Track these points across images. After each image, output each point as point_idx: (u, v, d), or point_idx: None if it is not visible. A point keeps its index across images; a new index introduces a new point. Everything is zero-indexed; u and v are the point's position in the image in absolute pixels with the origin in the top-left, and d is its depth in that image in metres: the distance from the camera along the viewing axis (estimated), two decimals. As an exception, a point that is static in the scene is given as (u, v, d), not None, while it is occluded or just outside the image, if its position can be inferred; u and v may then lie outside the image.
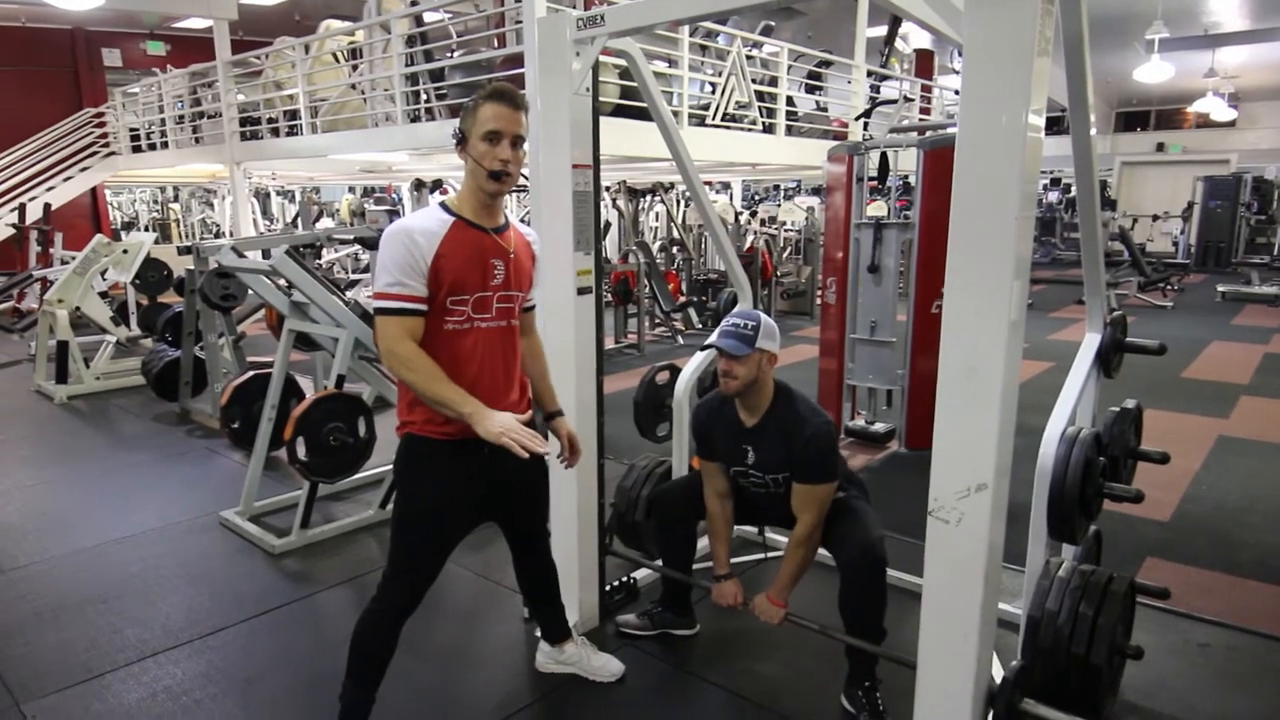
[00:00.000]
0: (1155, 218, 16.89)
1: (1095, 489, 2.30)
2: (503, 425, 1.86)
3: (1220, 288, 11.49)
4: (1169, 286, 11.63)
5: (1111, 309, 2.63)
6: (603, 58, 2.54)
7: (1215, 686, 2.54)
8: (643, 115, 5.94)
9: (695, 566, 2.78)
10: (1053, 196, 19.25)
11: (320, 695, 2.47)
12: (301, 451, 3.36)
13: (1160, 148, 19.31)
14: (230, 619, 2.92)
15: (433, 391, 1.88)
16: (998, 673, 2.47)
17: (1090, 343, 2.57)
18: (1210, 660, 2.68)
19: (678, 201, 10.50)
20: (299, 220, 12.93)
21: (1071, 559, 2.54)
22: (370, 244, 5.71)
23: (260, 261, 3.73)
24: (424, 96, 7.02)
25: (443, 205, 1.99)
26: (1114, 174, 19.54)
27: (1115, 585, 2.32)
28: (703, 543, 2.79)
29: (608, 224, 9.44)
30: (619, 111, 6.33)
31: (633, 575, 3.06)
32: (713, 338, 2.39)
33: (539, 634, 2.60)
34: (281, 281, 3.73)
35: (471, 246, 1.96)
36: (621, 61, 2.85)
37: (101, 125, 12.16)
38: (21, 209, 10.50)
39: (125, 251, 6.51)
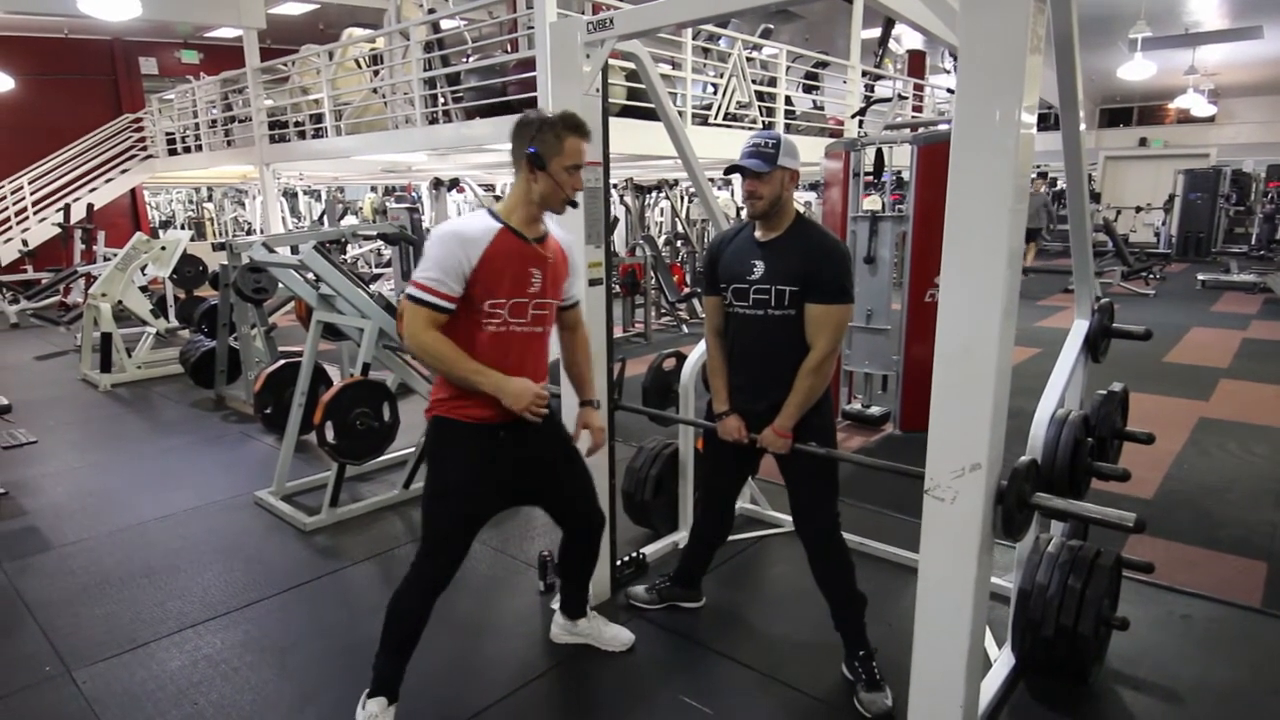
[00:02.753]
0: (1138, 209, 16.72)
1: (1083, 468, 2.27)
2: (524, 398, 1.95)
3: (1200, 276, 11.36)
4: (1151, 275, 11.53)
5: (1098, 297, 2.60)
6: (610, 60, 2.51)
7: (1197, 655, 2.52)
8: (649, 115, 5.89)
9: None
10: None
11: (351, 663, 2.49)
12: (330, 435, 3.36)
13: (1143, 142, 19.08)
14: (265, 592, 2.93)
15: (458, 371, 1.94)
16: (991, 645, 2.48)
17: (1079, 329, 2.54)
18: (1192, 630, 2.66)
19: (682, 197, 10.45)
20: (324, 217, 12.93)
21: (1060, 535, 2.52)
22: (392, 240, 5.70)
23: (289, 256, 3.72)
24: (441, 100, 6.99)
25: (490, 213, 2.02)
26: (1098, 168, 19.33)
27: (1102, 560, 2.30)
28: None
29: (615, 219, 9.39)
30: (626, 112, 6.29)
31: (642, 550, 3.06)
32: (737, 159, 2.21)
33: (555, 606, 2.60)
34: (310, 275, 3.72)
35: (513, 255, 1.98)
36: (628, 64, 2.81)
37: (139, 130, 12.17)
38: (66, 209, 10.53)
39: (163, 248, 6.52)
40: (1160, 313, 9.07)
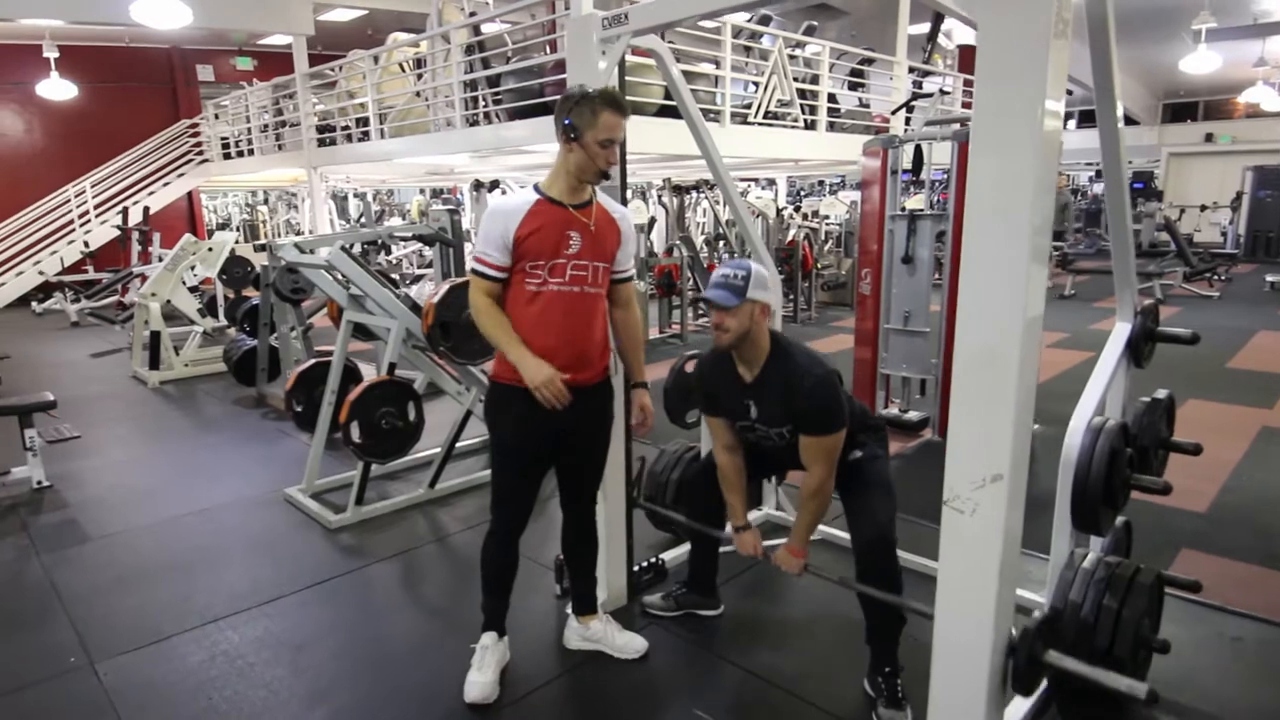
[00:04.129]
0: (1203, 208, 16.00)
1: (1121, 480, 2.15)
2: (537, 378, 2.06)
3: (1269, 278, 10.81)
4: (1216, 276, 11.01)
5: (1158, 299, 2.46)
6: (649, 61, 2.48)
7: (1247, 681, 2.36)
8: (686, 114, 5.83)
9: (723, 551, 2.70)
10: (1098, 189, 18.40)
11: (364, 661, 2.51)
12: (355, 434, 3.39)
13: (1209, 138, 18.26)
14: (287, 589, 2.96)
15: (493, 335, 2.13)
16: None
17: (1120, 332, 2.41)
18: (1242, 654, 2.50)
19: (720, 198, 10.34)
20: (363, 219, 13.16)
21: (1099, 550, 2.39)
22: (429, 240, 5.74)
23: (319, 257, 3.76)
24: (481, 102, 7.04)
25: (535, 186, 2.18)
26: (1161, 165, 18.56)
27: (1141, 577, 2.17)
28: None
29: (653, 219, 9.36)
30: (664, 111, 6.24)
31: (660, 556, 3.00)
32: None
33: (569, 610, 2.57)
34: (339, 275, 3.76)
35: (550, 220, 2.11)
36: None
37: (196, 135, 12.57)
38: (125, 212, 10.93)
39: (210, 249, 6.70)
40: (1224, 316, 8.64)
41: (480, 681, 2.26)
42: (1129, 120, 17.43)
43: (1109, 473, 2.07)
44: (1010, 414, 1.59)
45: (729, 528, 2.48)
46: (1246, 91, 14.84)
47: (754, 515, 3.40)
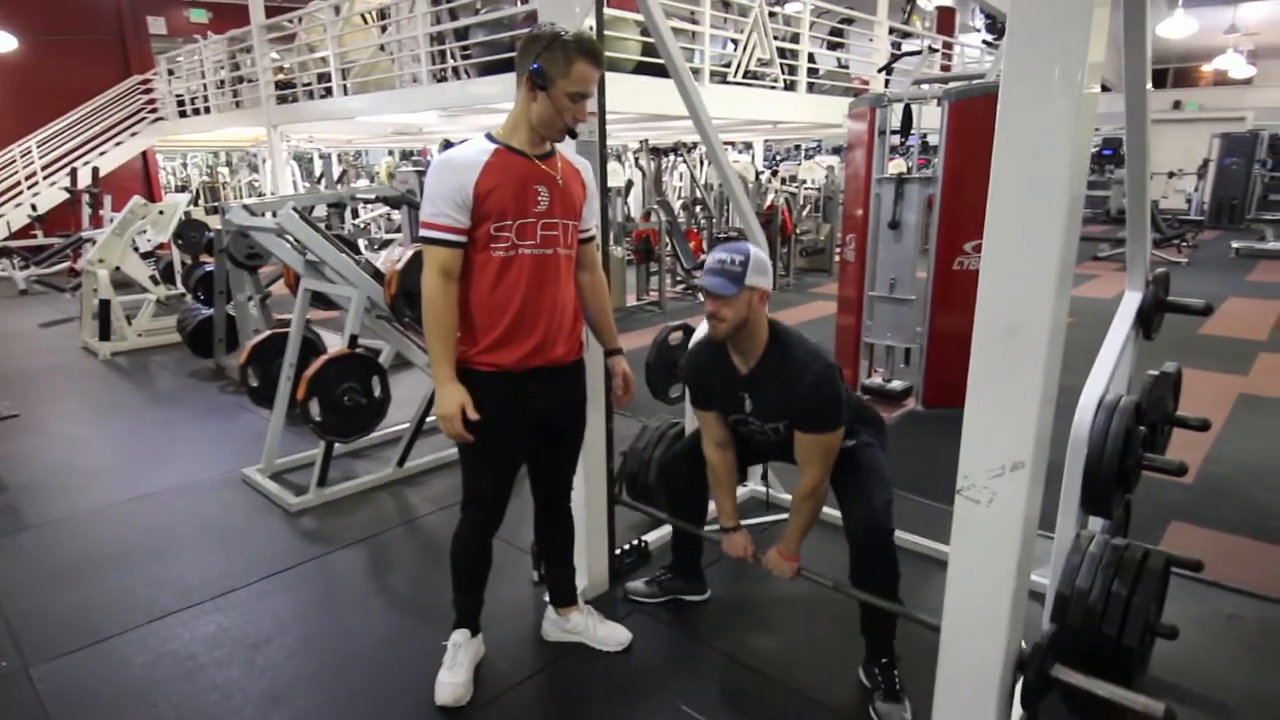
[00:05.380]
0: (1170, 175, 16.05)
1: (1134, 460, 2.01)
2: (442, 409, 1.88)
3: (1234, 244, 10.88)
4: (1184, 243, 11.04)
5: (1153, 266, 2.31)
6: (625, 14, 2.23)
7: (1246, 662, 2.27)
8: (665, 73, 5.57)
9: (707, 529, 2.54)
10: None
11: (326, 659, 2.33)
12: (315, 412, 3.16)
13: (1177, 105, 18.28)
14: (242, 580, 2.74)
15: (429, 338, 1.88)
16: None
17: (1130, 302, 2.26)
18: (1240, 633, 2.41)
19: (700, 161, 10.08)
20: (323, 180, 12.67)
21: (1101, 530, 2.27)
22: (394, 203, 5.45)
23: (270, 220, 3.48)
24: (449, 57, 6.68)
25: (488, 135, 1.90)
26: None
27: (1151, 562, 2.04)
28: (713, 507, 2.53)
29: (630, 182, 9.07)
30: (641, 69, 5.96)
31: (644, 538, 2.83)
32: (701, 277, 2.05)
33: (547, 599, 2.40)
34: (294, 240, 3.48)
35: (513, 173, 1.86)
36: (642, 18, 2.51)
37: (149, 91, 11.91)
38: (74, 173, 10.35)
39: (161, 213, 6.31)
40: (1194, 282, 8.65)
41: (451, 683, 2.08)
42: (1101, 86, 17.33)
43: (1123, 454, 1.92)
44: (1036, 395, 1.43)
45: (717, 525, 2.32)
46: (1216, 59, 14.83)
47: (739, 491, 3.24)
